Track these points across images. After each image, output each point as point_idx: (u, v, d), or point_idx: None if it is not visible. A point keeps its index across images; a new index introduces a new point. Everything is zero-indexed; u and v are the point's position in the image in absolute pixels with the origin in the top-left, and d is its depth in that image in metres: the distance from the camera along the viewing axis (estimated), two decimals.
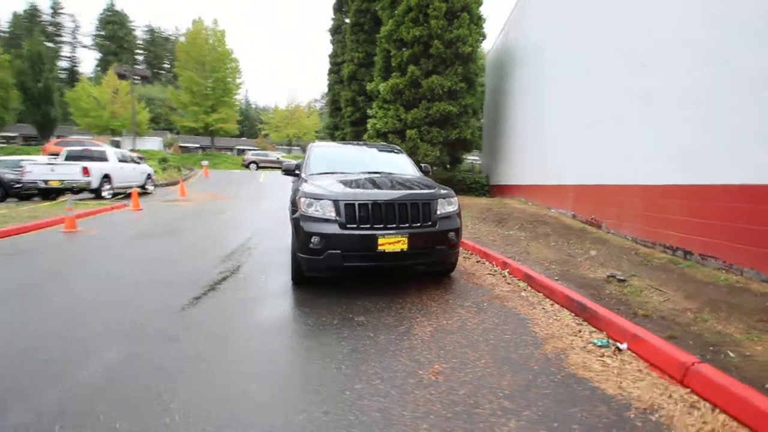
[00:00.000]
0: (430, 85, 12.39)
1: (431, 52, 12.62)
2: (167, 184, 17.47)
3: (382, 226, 3.82)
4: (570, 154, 7.94)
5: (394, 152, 5.96)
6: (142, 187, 14.33)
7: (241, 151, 49.35)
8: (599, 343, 2.84)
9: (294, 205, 4.25)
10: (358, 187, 4.19)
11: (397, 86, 12.93)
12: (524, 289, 4.20)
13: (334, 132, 20.21)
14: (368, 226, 3.81)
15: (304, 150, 46.34)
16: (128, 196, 11.07)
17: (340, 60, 19.59)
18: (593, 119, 7.12)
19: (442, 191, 4.26)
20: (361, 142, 6.02)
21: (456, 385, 2.32)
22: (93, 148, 12.69)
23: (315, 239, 3.79)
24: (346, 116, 16.79)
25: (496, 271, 4.95)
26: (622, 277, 4.28)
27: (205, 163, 24.50)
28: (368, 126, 13.95)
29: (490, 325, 3.24)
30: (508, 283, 4.45)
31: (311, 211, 3.88)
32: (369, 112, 14.19)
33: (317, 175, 4.85)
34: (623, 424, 1.95)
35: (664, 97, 5.42)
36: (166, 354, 2.66)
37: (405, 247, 3.83)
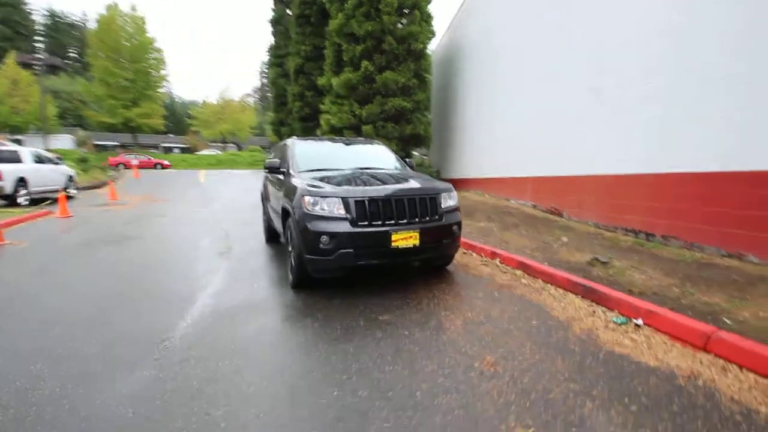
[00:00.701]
0: (384, 80, 12.41)
1: (384, 48, 12.64)
2: (92, 187, 15.65)
3: (394, 221, 3.77)
4: (529, 149, 8.44)
5: (378, 147, 5.89)
6: (64, 190, 12.68)
7: (169, 149, 45.67)
8: (619, 321, 3.08)
9: (289, 204, 4.04)
10: (362, 183, 4.08)
11: (351, 81, 12.79)
12: (522, 277, 4.40)
13: (280, 128, 19.43)
14: (380, 222, 3.74)
15: (240, 147, 44.12)
16: (53, 201, 9.74)
17: (283, 52, 18.83)
18: (552, 116, 7.63)
19: (444, 186, 4.31)
20: (341, 138, 5.87)
21: (517, 373, 2.38)
22: (2, 148, 10.93)
23: (324, 239, 3.64)
24: (295, 111, 16.24)
25: (486, 261, 5.13)
26: (604, 260, 4.66)
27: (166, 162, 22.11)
28: (322, 122, 13.66)
29: (513, 313, 3.36)
30: (504, 272, 4.64)
31: (317, 210, 3.72)
32: (322, 107, 13.88)
33: (308, 173, 4.65)
34: (681, 392, 2.15)
35: (618, 95, 5.97)
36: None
37: (417, 242, 3.82)
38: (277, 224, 5.18)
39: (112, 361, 2.57)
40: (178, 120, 53.56)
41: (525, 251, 5.27)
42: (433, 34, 13.56)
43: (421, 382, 2.30)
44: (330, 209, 3.71)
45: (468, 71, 12.34)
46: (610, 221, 6.17)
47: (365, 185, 3.99)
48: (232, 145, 46.79)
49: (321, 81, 14.35)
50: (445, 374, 2.38)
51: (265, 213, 6.38)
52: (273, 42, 19.48)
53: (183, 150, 46.35)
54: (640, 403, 2.06)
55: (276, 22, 19.34)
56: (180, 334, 2.97)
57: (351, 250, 3.65)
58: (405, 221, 3.82)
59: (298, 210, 3.83)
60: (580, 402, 2.08)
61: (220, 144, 44.20)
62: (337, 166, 4.93)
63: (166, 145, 47.59)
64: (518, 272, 4.58)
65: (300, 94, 15.97)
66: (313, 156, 5.17)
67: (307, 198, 3.79)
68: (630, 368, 2.42)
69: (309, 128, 16.05)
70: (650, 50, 5.41)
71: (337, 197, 3.73)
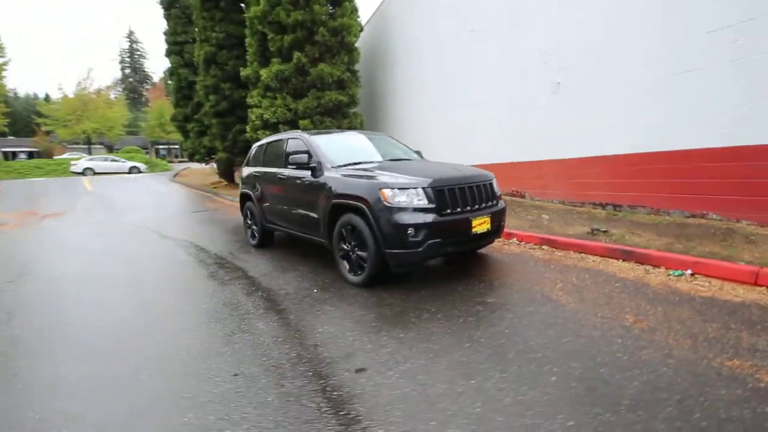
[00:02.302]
0: (319, 73, 12.08)
1: (317, 39, 12.28)
2: None
3: (470, 208, 3.89)
4: (490, 137, 9.18)
5: (387, 138, 5.85)
6: None
7: (14, 155, 36.90)
8: (676, 274, 3.74)
9: (353, 200, 3.86)
10: (425, 173, 4.07)
11: (282, 73, 12.14)
12: (555, 251, 4.92)
13: (185, 125, 17.18)
14: (459, 209, 3.82)
15: (112, 149, 38.22)
16: None
17: (182, 39, 16.65)
18: (507, 108, 8.44)
19: (490, 172, 4.55)
20: (349, 130, 5.62)
21: (666, 324, 2.78)
22: None
23: (411, 231, 3.59)
24: (209, 106, 14.58)
25: (504, 242, 5.55)
26: (604, 229, 5.46)
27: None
28: (252, 116, 12.68)
29: (590, 280, 3.79)
30: (532, 249, 5.12)
31: (399, 202, 3.64)
32: (249, 101, 12.86)
33: (345, 167, 4.45)
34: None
35: (571, 86, 6.95)
36: None
37: (489, 226, 4.02)
38: (302, 225, 4.84)
39: None
40: (23, 119, 43.24)
41: (525, 229, 5.84)
42: (361, 27, 13.63)
43: (610, 347, 2.54)
44: (409, 200, 3.66)
45: (409, 66, 12.68)
46: (576, 198, 7.17)
47: (435, 174, 3.98)
48: (98, 146, 39.81)
49: (244, 72, 13.26)
50: (619, 335, 2.66)
51: (264, 215, 5.82)
52: (167, 27, 17.06)
53: (31, 155, 37.75)
54: (751, 327, 2.64)
55: (169, 5, 16.97)
56: None
57: (439, 240, 3.67)
58: (477, 207, 3.97)
59: (376, 204, 3.68)
60: (734, 336, 2.56)
61: (83, 146, 37.16)
62: (365, 159, 4.82)
63: (5, 149, 38.12)
64: (545, 247, 5.10)
65: (214, 86, 14.42)
66: (338, 150, 4.92)
67: (386, 191, 3.67)
68: (725, 305, 3.03)
69: (228, 124, 14.62)
70: (597, 47, 6.42)
71: (417, 187, 3.69)
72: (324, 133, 5.57)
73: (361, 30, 13.50)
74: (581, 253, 4.72)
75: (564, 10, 7.00)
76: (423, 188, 3.69)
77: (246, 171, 6.47)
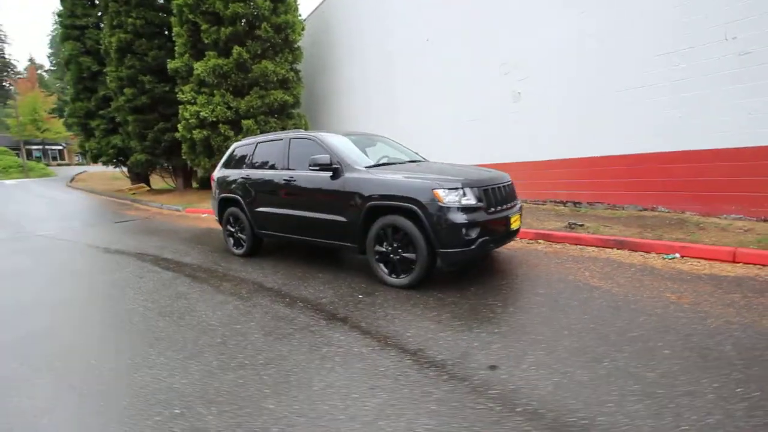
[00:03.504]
0: (262, 70, 11.47)
1: (259, 35, 11.67)
2: None
3: (507, 206, 4.13)
4: (451, 143, 9.63)
5: (388, 140, 5.82)
6: None
7: None
8: (670, 257, 4.42)
9: (397, 200, 3.85)
10: (458, 172, 4.20)
11: (221, 68, 11.27)
12: (551, 245, 5.42)
13: (87, 122, 14.58)
14: (501, 208, 4.03)
15: None
16: None
17: (82, 23, 14.17)
18: (468, 115, 8.99)
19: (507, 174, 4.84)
20: (354, 132, 5.38)
21: (702, 303, 3.29)
22: None
23: (466, 230, 3.70)
24: (124, 101, 12.68)
25: None
26: (580, 223, 6.17)
27: None
28: (185, 114, 11.50)
29: (609, 269, 4.28)
30: (530, 243, 5.57)
31: (453, 202, 3.71)
32: (181, 96, 11.63)
33: (375, 168, 4.40)
34: (764, 284, 3.50)
35: (533, 95, 7.72)
36: None
37: (519, 223, 4.31)
38: (319, 230, 4.61)
39: None
40: None
41: None
42: (303, 27, 13.22)
43: (680, 320, 2.94)
44: (461, 200, 3.76)
45: (357, 69, 12.63)
46: (537, 197, 7.95)
47: (468, 174, 4.13)
48: None
49: (173, 64, 11.98)
50: (677, 310, 3.08)
51: (257, 222, 5.36)
52: (62, 8, 14.35)
53: None
54: (753, 290, 3.32)
55: None
56: None
57: (488, 237, 3.83)
58: (511, 205, 4.23)
59: (431, 205, 3.70)
60: (758, 302, 3.16)
61: None
62: (394, 158, 4.93)
63: None
64: (541, 242, 5.59)
65: (131, 78, 12.60)
66: (353, 150, 4.78)
67: (440, 191, 3.71)
68: (725, 279, 3.70)
69: (149, 121, 12.90)
70: (556, 61, 7.26)
71: (467, 187, 3.80)
72: (339, 134, 5.32)
73: (303, 29, 13.11)
74: (578, 245, 5.29)
75: (519, 34, 7.74)
76: (471, 188, 3.81)
77: (226, 173, 5.89)
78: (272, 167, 5.18)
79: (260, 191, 5.28)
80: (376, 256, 4.15)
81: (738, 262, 4.12)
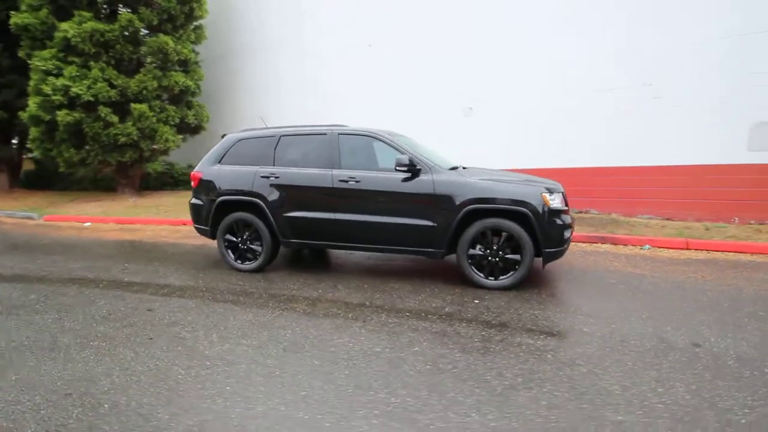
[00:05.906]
0: (160, 46, 9.47)
1: (156, 1, 9.60)
2: None
3: None
4: None
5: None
6: None
7: None
8: (646, 248, 5.67)
9: (504, 203, 3.95)
10: (533, 178, 4.50)
11: (102, 35, 8.80)
12: None
13: None
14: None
15: None
16: None
17: None
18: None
19: None
20: (378, 131, 4.80)
21: (727, 279, 4.40)
22: None
23: (566, 230, 4.06)
24: None
25: None
26: None
27: None
28: (45, 88, 8.49)
29: (623, 258, 5.21)
30: None
31: (557, 205, 4.01)
32: (37, 63, 8.52)
33: (454, 170, 4.36)
34: (734, 264, 4.93)
35: (487, 113, 8.66)
36: None
37: None
38: (392, 236, 4.24)
39: None
40: None
41: None
42: (208, 14, 11.14)
43: (730, 294, 3.89)
44: (560, 203, 4.09)
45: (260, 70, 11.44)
46: None
47: (539, 181, 4.46)
48: None
49: (17, 18, 8.69)
50: (719, 286, 4.06)
51: (286, 228, 4.48)
52: None
53: None
54: (725, 274, 4.69)
55: None
56: None
57: (570, 237, 4.24)
58: None
59: (541, 208, 3.89)
60: (726, 283, 4.44)
61: None
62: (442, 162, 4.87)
63: None
64: None
65: None
66: (429, 150, 4.63)
67: (547, 195, 3.95)
68: (701, 260, 5.02)
69: None
70: (507, 84, 8.36)
71: (558, 192, 4.13)
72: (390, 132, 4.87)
73: (207, 14, 11.04)
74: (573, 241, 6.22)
75: (480, 62, 8.58)
76: (558, 193, 4.17)
77: (225, 171, 4.73)
78: (315, 165, 4.44)
79: (297, 193, 4.45)
80: (469, 260, 4.08)
81: (691, 249, 5.63)
